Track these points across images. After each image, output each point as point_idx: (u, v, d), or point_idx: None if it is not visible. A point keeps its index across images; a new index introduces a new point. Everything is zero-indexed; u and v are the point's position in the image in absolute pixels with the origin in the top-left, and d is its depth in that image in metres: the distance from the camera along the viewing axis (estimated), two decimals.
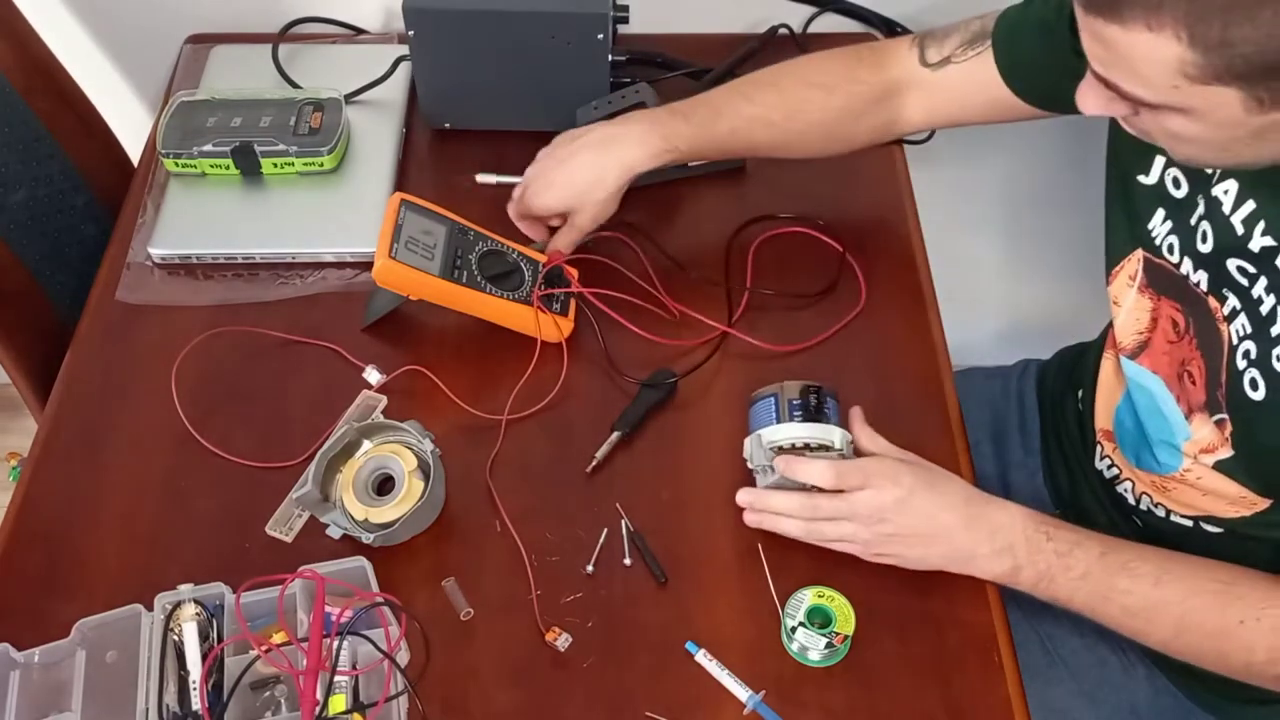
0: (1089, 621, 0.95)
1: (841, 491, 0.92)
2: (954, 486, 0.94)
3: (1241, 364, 0.88)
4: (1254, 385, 0.87)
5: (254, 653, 0.84)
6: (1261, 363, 0.86)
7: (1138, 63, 0.73)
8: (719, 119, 1.09)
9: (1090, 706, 1.10)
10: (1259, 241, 0.85)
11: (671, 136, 1.08)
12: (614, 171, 1.08)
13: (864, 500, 0.91)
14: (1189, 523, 1.00)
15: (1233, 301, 0.88)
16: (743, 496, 0.96)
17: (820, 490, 0.93)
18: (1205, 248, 0.91)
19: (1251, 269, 0.86)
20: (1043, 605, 0.96)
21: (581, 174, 1.09)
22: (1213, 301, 0.90)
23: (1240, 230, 0.87)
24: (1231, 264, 0.88)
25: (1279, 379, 0.85)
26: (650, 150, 1.08)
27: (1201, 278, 0.91)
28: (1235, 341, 0.88)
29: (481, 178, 1.25)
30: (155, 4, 1.41)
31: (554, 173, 1.10)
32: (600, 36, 1.19)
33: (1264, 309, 0.86)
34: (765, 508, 0.96)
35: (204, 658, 0.86)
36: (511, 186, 1.17)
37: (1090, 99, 0.81)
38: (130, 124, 1.48)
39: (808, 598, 0.93)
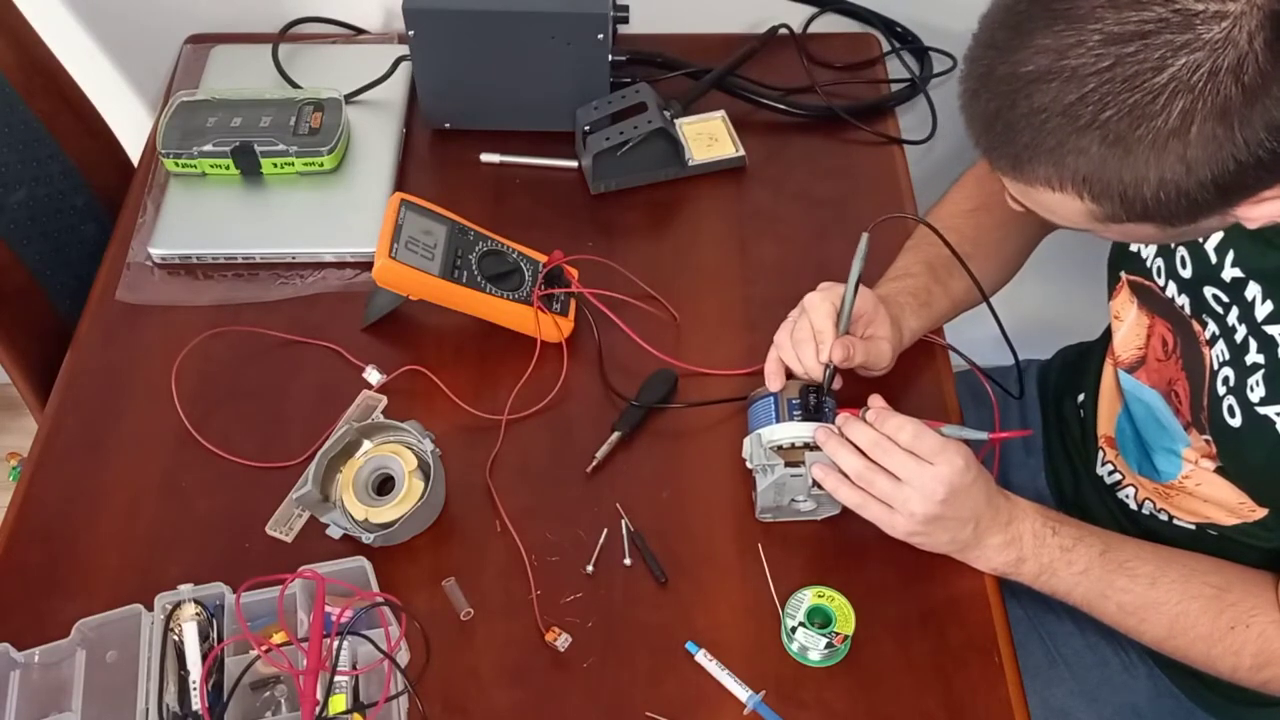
0: (1091, 621, 0.96)
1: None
2: (989, 477, 0.94)
3: (1221, 389, 0.89)
4: (1231, 413, 0.88)
5: (254, 653, 0.84)
6: (1238, 391, 0.87)
7: (1050, 206, 0.76)
8: None
9: (1091, 706, 1.10)
10: (1229, 272, 0.87)
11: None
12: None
13: (935, 474, 0.88)
14: (1191, 527, 1.01)
15: (1213, 327, 0.90)
16: (821, 433, 0.92)
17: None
18: (1185, 273, 0.92)
19: (1225, 297, 0.88)
20: (1045, 605, 0.96)
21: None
22: (1196, 325, 0.92)
23: (1214, 259, 0.88)
24: (1208, 291, 0.90)
25: (1253, 408, 0.86)
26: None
27: (1185, 301, 0.93)
28: (1216, 366, 0.90)
29: (485, 156, 1.26)
30: (155, 4, 1.41)
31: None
32: (600, 36, 1.19)
33: (1238, 337, 0.87)
34: (844, 433, 0.91)
35: (204, 658, 0.86)
36: (514, 166, 1.15)
37: (1012, 203, 0.82)
38: (130, 124, 1.48)
39: (808, 598, 0.93)
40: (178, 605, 0.88)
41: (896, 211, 1.22)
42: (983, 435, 0.94)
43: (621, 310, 1.10)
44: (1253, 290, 0.85)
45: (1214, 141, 0.65)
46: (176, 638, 0.88)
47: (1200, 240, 0.89)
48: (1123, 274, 1.01)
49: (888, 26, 1.41)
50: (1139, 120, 0.66)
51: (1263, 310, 0.84)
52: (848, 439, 0.91)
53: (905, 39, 1.40)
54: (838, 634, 0.91)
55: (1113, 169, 0.68)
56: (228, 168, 1.21)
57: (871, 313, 1.00)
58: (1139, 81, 0.65)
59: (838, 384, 0.98)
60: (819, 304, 0.97)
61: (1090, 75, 0.66)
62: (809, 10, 1.40)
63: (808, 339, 0.97)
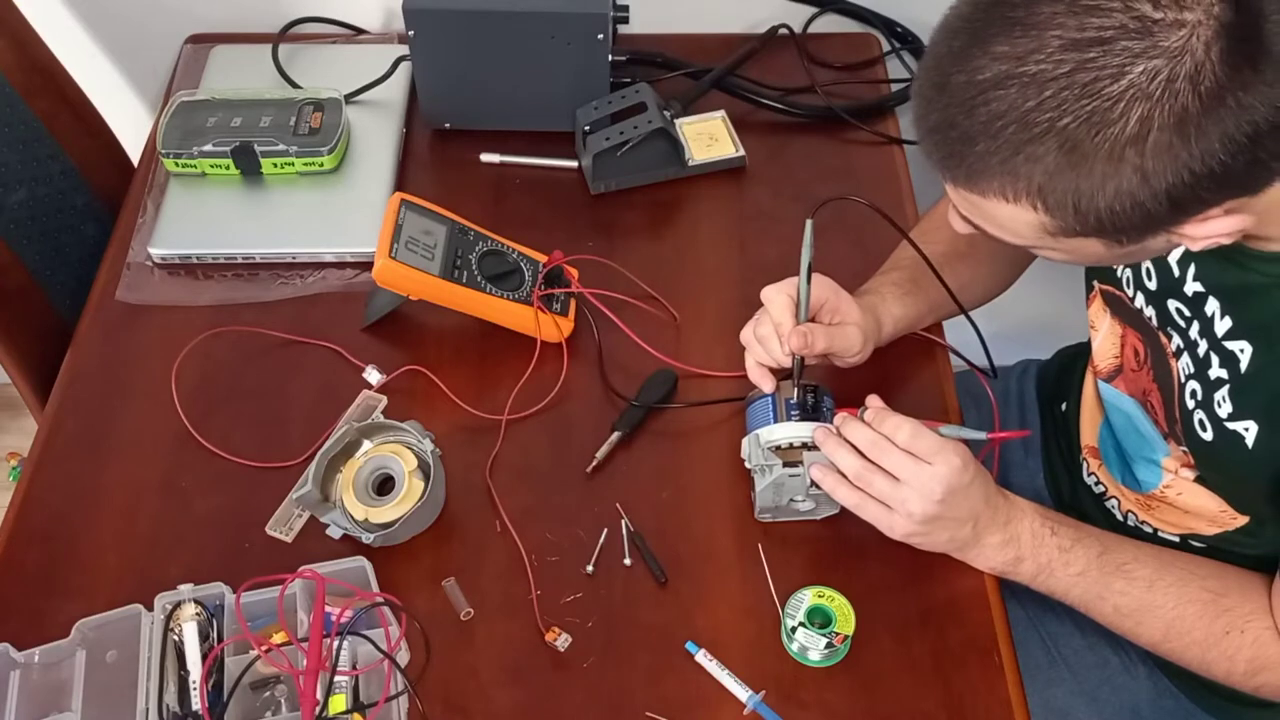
0: (1091, 621, 0.96)
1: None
2: (988, 476, 0.93)
3: (1190, 403, 0.89)
4: (1203, 426, 0.88)
5: (254, 653, 0.84)
6: (1206, 405, 0.87)
7: (1001, 221, 0.75)
8: None
9: (1091, 707, 1.10)
10: (1191, 286, 0.87)
11: None
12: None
13: (933, 473, 0.87)
14: (1175, 538, 1.01)
15: (1177, 340, 0.90)
16: (820, 433, 0.92)
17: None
18: (1151, 285, 0.92)
19: (1187, 311, 0.88)
20: (1045, 605, 0.96)
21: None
22: (1163, 337, 0.92)
23: (1176, 272, 0.88)
24: (1171, 304, 0.90)
25: (1222, 423, 0.86)
26: None
27: (1152, 313, 0.93)
28: (1183, 379, 0.90)
29: (485, 156, 1.26)
30: (155, 4, 1.41)
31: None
32: (600, 36, 1.19)
33: (1200, 351, 0.87)
34: (843, 433, 0.91)
35: (204, 658, 0.86)
36: (515, 166, 1.16)
37: (959, 223, 0.82)
38: (130, 124, 1.48)
39: (808, 598, 0.93)
40: (178, 605, 0.88)
41: (895, 213, 1.22)
42: (981, 435, 0.94)
43: (621, 310, 1.10)
44: (1212, 305, 0.85)
45: (1170, 151, 0.65)
46: (176, 638, 0.88)
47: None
48: (1095, 283, 1.01)
49: (888, 26, 1.41)
50: (1096, 127, 0.65)
51: (1222, 326, 0.84)
52: (846, 439, 0.91)
53: (905, 39, 1.41)
54: (838, 634, 0.91)
55: (1068, 178, 0.68)
56: (228, 168, 1.21)
57: (834, 299, 0.99)
58: (1097, 88, 0.64)
59: (812, 361, 0.98)
60: (775, 297, 0.96)
61: (1049, 81, 0.65)
62: (809, 10, 1.40)
63: (770, 334, 0.97)
